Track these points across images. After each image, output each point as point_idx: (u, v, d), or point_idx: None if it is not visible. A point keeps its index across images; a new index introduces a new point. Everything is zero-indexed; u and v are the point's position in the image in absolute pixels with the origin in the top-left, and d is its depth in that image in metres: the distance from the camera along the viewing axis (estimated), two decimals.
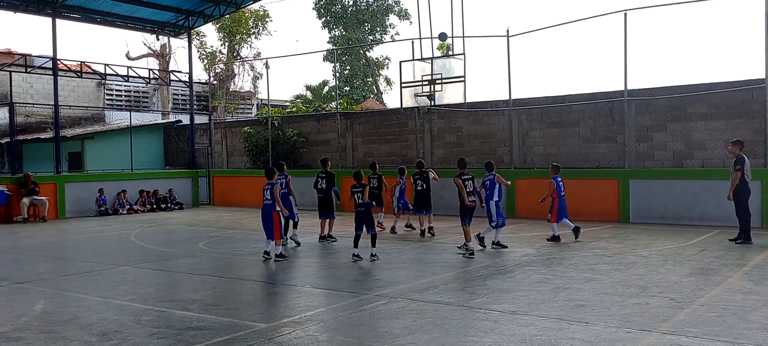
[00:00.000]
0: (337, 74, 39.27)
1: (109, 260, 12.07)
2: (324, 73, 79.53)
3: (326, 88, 38.79)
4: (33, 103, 26.55)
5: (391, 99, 44.65)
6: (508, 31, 18.62)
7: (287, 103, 35.15)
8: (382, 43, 44.49)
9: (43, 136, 26.14)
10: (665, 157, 17.07)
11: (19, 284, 9.76)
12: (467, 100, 19.39)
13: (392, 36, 44.83)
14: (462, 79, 19.00)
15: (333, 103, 32.41)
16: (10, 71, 23.42)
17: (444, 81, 19.31)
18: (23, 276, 10.42)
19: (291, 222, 13.23)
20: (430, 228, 14.87)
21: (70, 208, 21.43)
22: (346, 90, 41.74)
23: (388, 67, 45.67)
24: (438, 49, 24.40)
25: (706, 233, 14.07)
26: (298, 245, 13.29)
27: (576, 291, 8.43)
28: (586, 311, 7.39)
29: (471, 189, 11.89)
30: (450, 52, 22.71)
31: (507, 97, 19.16)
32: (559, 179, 13.33)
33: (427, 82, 19.48)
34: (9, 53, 24.89)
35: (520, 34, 18.82)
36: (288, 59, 62.65)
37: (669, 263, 10.41)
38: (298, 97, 38.46)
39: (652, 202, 16.40)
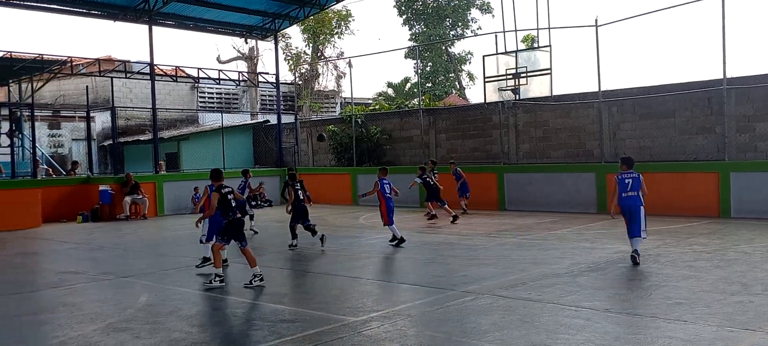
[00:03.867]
0: (419, 71, 39.29)
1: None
2: (406, 70, 79.85)
3: (408, 85, 38.91)
4: (132, 107, 28.04)
5: (474, 94, 44.27)
6: (596, 20, 18.06)
7: (370, 101, 35.51)
8: (464, 38, 44.19)
9: (142, 138, 27.60)
10: None
11: (124, 278, 10.37)
12: (554, 93, 18.94)
13: (474, 31, 44.43)
14: (548, 71, 18.57)
15: (415, 100, 32.48)
16: (112, 77, 24.84)
17: (529, 74, 18.94)
18: (127, 270, 11.05)
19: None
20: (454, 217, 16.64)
21: (168, 205, 22.52)
22: (428, 86, 41.70)
23: (470, 63, 45.35)
24: (522, 41, 23.96)
25: None
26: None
27: (673, 289, 8.09)
28: (684, 308, 7.08)
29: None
30: (535, 44, 22.24)
31: (596, 89, 18.59)
32: (625, 176, 10.23)
33: (511, 76, 19.17)
34: (110, 60, 26.38)
35: (609, 24, 18.23)
36: (370, 57, 63.20)
37: None
38: (380, 94, 38.79)
39: (754, 195, 15.45)
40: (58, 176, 24.09)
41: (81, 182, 22.13)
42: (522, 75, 19.02)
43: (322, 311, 7.66)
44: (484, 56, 20.12)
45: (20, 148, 22.27)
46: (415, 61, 39.28)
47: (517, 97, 19.50)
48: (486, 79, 19.88)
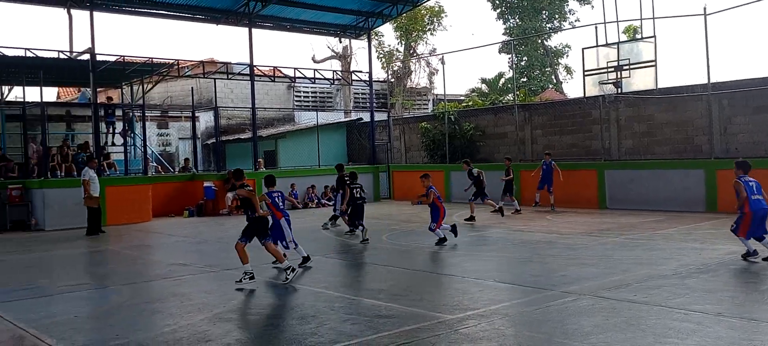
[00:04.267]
0: (514, 66, 38.57)
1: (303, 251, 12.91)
2: (500, 65, 78.52)
3: (502, 80, 38.23)
4: (233, 107, 29.16)
5: (572, 88, 43.01)
6: (705, 9, 17.03)
7: (463, 98, 35.20)
8: (561, 30, 42.94)
9: (242, 136, 28.67)
10: None
11: (227, 270, 10.78)
12: (659, 86, 18.05)
13: (572, 23, 43.11)
14: (652, 63, 17.73)
15: (509, 95, 31.90)
16: (214, 78, 25.94)
17: (632, 67, 18.17)
18: (230, 263, 11.46)
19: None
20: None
21: None
22: (523, 81, 40.86)
23: (568, 56, 44.03)
24: (624, 32, 23.00)
25: None
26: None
27: None
28: None
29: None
30: (638, 35, 21.29)
31: (705, 81, 17.55)
32: (747, 179, 9.79)
33: (612, 69, 18.47)
34: (213, 62, 27.54)
35: (719, 12, 17.14)
36: (463, 53, 62.43)
37: None
38: (473, 90, 38.33)
39: None
40: (166, 173, 25.45)
41: (187, 179, 23.29)
42: (624, 67, 18.27)
43: (418, 307, 7.65)
44: (583, 49, 19.49)
45: (132, 147, 23.70)
46: (509, 56, 38.61)
47: (619, 91, 18.75)
48: (585, 73, 19.24)
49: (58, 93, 32.27)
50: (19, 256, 13.70)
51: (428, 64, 37.56)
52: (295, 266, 9.64)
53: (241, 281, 9.22)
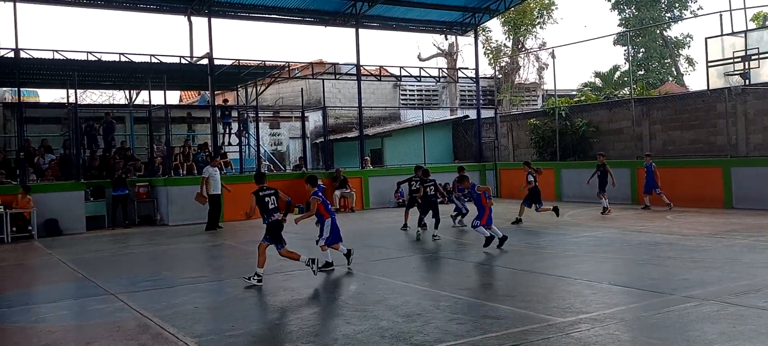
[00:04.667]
0: (630, 58, 36.79)
1: (408, 248, 12.95)
2: (615, 57, 75.42)
3: (618, 74, 36.58)
4: (341, 106, 29.76)
5: (695, 81, 40.54)
6: None
7: (574, 93, 34.02)
8: (681, 19, 40.53)
9: (349, 135, 29.20)
10: None
11: (335, 266, 10.97)
12: None
13: (694, 11, 40.53)
14: None
15: (625, 89, 30.47)
16: (323, 79, 26.61)
17: (761, 56, 16.81)
18: (338, 260, 11.67)
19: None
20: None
21: (373, 199, 23.55)
22: (640, 74, 38.91)
23: (689, 46, 41.47)
24: (752, 20, 21.35)
25: None
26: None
27: None
28: None
29: None
30: None
31: None
32: None
33: (739, 59, 17.21)
34: (321, 63, 28.23)
35: None
36: (575, 47, 60.46)
37: None
38: (586, 85, 36.94)
39: None
40: (277, 171, 26.38)
41: (297, 177, 24.00)
42: (752, 57, 16.95)
43: (527, 309, 7.42)
44: (706, 38, 18.30)
45: (247, 146, 24.76)
46: (625, 48, 36.91)
47: (747, 83, 17.44)
48: (709, 64, 18.06)
49: (180, 96, 34.30)
50: (145, 249, 14.67)
51: (537, 58, 36.61)
52: (315, 258, 9.65)
53: (250, 279, 9.34)
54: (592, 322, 6.69)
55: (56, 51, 19.22)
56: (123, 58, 20.42)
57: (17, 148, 19.92)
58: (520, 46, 36.79)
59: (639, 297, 7.79)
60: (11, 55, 18.27)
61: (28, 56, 18.79)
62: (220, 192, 17.86)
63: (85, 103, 24.78)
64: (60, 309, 8.48)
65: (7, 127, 23.34)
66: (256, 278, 9.40)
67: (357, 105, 24.81)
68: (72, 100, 19.15)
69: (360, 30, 24.35)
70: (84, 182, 19.08)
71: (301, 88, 26.39)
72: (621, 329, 6.43)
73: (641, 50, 40.78)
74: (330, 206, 10.48)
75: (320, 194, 10.38)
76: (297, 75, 26.27)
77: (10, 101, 24.25)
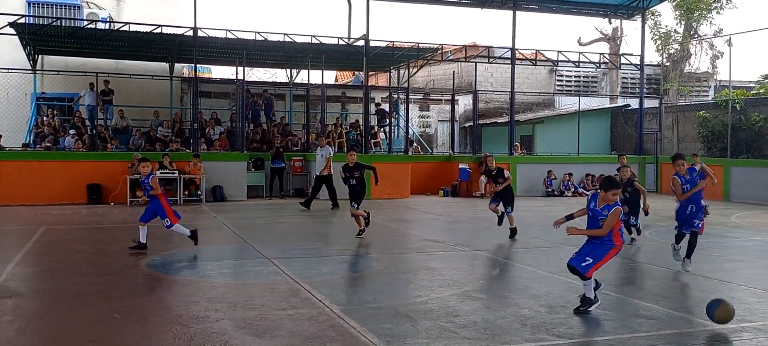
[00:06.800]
0: None
1: (557, 238, 12.53)
2: None
3: None
4: (492, 91, 29.33)
5: None
6: None
7: (753, 85, 30.95)
8: None
9: (499, 120, 28.75)
10: None
11: (478, 250, 10.94)
12: None
13: None
14: None
15: None
16: (475, 62, 26.36)
17: None
18: (481, 245, 11.62)
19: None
20: None
21: (521, 187, 23.01)
22: None
23: None
24: None
25: None
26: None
27: None
28: None
29: None
30: None
31: None
32: None
33: None
34: (474, 46, 27.98)
35: None
36: (756, 34, 54.87)
37: None
38: (767, 77, 33.46)
39: None
40: (424, 153, 26.64)
41: (443, 160, 24.10)
42: None
43: (681, 312, 6.95)
44: None
45: (396, 127, 25.22)
46: None
47: None
48: None
49: (335, 76, 35.66)
50: (297, 219, 15.50)
51: (712, 46, 33.66)
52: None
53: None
54: (755, 331, 6.12)
55: (229, 30, 20.71)
56: (286, 39, 21.56)
57: (191, 120, 21.83)
58: (692, 33, 34.01)
59: None
60: (190, 33, 19.96)
61: (204, 35, 20.41)
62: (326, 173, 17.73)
63: (251, 80, 26.47)
64: (223, 268, 9.24)
65: (183, 100, 25.61)
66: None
67: (509, 90, 24.34)
68: (240, 76, 20.52)
69: (517, 12, 23.78)
70: (247, 152, 20.50)
71: (453, 71, 26.35)
72: None
73: None
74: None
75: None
76: (449, 58, 26.27)
77: (187, 76, 26.53)
